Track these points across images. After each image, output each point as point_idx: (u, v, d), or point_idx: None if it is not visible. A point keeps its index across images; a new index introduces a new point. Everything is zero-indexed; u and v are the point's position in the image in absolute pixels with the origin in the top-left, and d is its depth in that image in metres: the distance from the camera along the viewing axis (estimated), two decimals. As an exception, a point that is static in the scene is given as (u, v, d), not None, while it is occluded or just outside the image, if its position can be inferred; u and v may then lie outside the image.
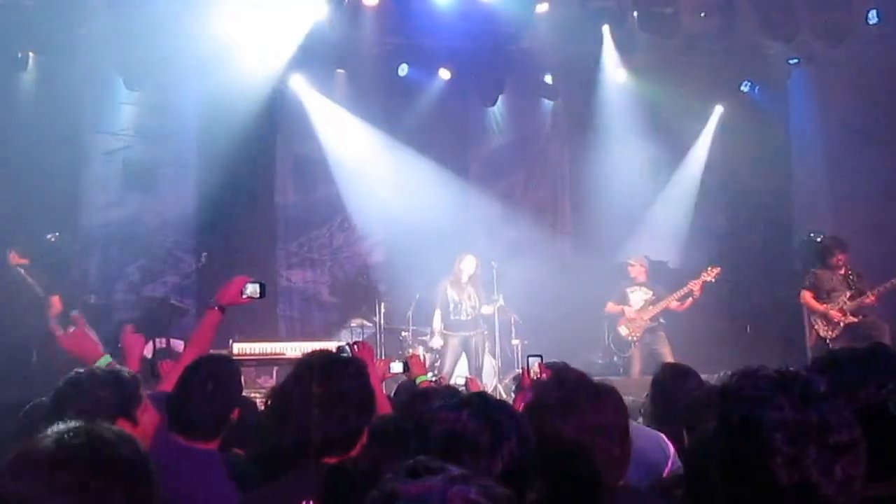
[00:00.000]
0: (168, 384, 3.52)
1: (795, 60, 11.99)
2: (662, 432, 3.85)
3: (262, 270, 11.46)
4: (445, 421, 2.09)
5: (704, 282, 9.99)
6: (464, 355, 10.27)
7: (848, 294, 9.45)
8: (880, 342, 2.09)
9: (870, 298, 9.31)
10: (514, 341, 10.73)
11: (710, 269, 10.06)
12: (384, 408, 3.99)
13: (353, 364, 2.83)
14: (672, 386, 4.15)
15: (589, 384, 2.57)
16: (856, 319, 9.42)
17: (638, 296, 10.44)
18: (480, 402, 2.15)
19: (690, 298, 10.08)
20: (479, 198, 13.00)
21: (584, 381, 2.59)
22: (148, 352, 8.66)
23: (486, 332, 10.29)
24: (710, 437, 1.75)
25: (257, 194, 12.08)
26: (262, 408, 4.20)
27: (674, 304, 10.19)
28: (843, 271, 9.54)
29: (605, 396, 2.49)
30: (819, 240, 10.14)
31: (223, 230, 11.70)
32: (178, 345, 9.69)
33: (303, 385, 2.63)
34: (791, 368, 1.79)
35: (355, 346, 4.43)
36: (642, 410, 4.65)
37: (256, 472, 3.24)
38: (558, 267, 12.40)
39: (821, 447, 1.62)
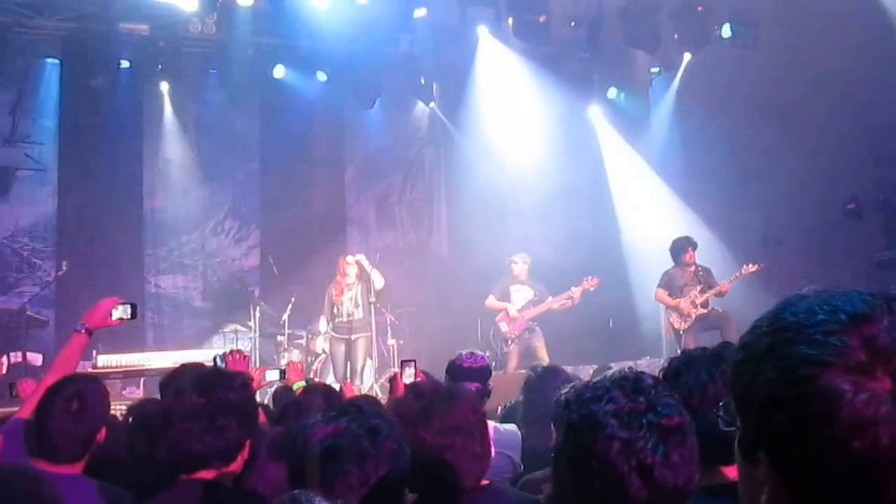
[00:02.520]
0: (26, 409, 3.34)
1: (657, 69, 12.52)
2: (534, 431, 3.98)
3: (128, 277, 11.23)
4: (324, 433, 2.15)
5: (584, 290, 10.27)
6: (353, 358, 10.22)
7: (698, 289, 9.97)
8: (727, 341, 2.25)
9: (723, 287, 9.88)
10: (391, 341, 10.77)
11: (589, 278, 10.32)
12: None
13: (237, 377, 2.80)
14: (541, 386, 4.28)
15: (444, 389, 2.71)
16: (705, 311, 9.97)
17: (521, 294, 10.51)
18: (356, 412, 2.22)
19: (569, 302, 10.33)
20: (357, 200, 13.09)
21: (439, 388, 2.74)
22: (2, 367, 8.27)
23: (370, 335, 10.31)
24: (559, 444, 1.85)
25: (122, 199, 11.73)
26: (123, 420, 4.07)
27: (554, 307, 10.42)
28: (693, 268, 10.04)
29: (460, 398, 2.63)
30: (674, 238, 10.46)
31: (85, 236, 11.30)
32: (36, 359, 9.29)
33: (184, 396, 2.60)
34: (638, 370, 1.94)
35: (229, 356, 4.36)
36: (500, 410, 4.79)
37: (127, 490, 3.13)
38: (435, 266, 12.62)
39: (651, 428, 1.75)
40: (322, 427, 2.17)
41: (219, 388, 2.60)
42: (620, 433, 1.75)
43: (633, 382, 1.83)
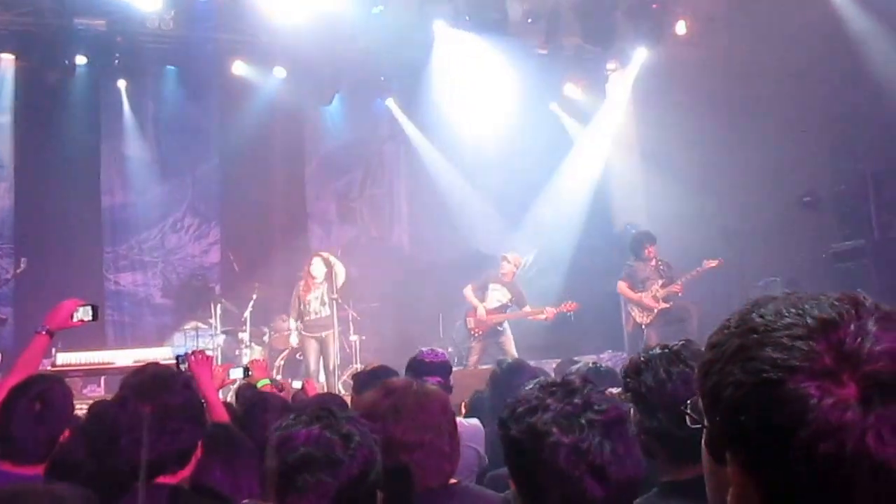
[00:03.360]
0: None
1: (613, 66, 12.62)
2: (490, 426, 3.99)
3: (87, 274, 11.09)
4: (297, 441, 2.13)
5: (559, 312, 10.14)
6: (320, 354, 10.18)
7: (660, 282, 10.01)
8: (688, 339, 2.28)
9: (676, 288, 9.95)
10: (353, 337, 10.68)
11: (568, 302, 10.17)
12: (222, 416, 3.93)
13: (179, 378, 2.77)
14: (507, 381, 4.33)
15: (415, 387, 2.69)
16: (667, 305, 9.99)
17: (496, 295, 10.36)
18: (329, 417, 2.21)
19: (542, 317, 10.20)
20: (317, 196, 13.01)
21: (410, 385, 2.72)
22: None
23: (342, 330, 10.33)
24: (507, 463, 1.85)
25: (81, 196, 11.55)
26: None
27: (532, 317, 10.32)
28: (653, 262, 10.07)
29: (431, 397, 2.62)
30: (633, 233, 10.61)
31: (43, 234, 11.12)
32: (-7, 357, 8.98)
33: (129, 405, 2.56)
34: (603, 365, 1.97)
35: (192, 357, 4.31)
36: (463, 406, 4.82)
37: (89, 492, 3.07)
38: (396, 262, 12.54)
39: (592, 427, 1.76)
40: (295, 432, 2.15)
41: (163, 394, 2.57)
42: (564, 438, 1.74)
43: (563, 386, 1.83)
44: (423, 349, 4.57)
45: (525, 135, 11.84)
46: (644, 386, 2.22)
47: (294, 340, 10.18)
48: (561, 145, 12.30)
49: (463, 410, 5.13)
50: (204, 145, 12.30)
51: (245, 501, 1.74)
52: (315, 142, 13.07)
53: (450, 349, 10.38)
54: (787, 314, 1.01)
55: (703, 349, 1.09)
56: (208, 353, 4.49)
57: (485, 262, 11.05)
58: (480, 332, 10.22)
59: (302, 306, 10.04)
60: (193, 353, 4.30)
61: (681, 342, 2.31)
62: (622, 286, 10.19)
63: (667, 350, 2.28)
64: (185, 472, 2.60)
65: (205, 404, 3.27)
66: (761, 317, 1.02)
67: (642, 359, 2.29)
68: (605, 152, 12.45)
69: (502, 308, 10.28)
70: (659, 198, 11.50)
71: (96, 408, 3.60)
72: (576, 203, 12.02)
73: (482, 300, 10.28)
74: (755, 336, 1.00)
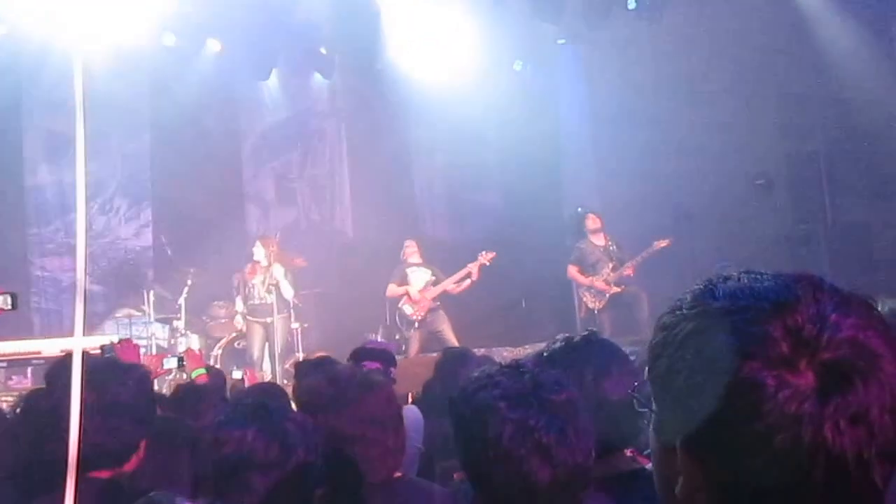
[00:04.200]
0: None
1: (563, 41, 12.58)
2: (444, 418, 4.01)
3: (10, 259, 10.87)
4: (231, 441, 2.11)
5: (482, 265, 10.16)
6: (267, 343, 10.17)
7: (610, 265, 10.04)
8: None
9: (628, 270, 9.97)
10: (294, 325, 10.55)
11: (484, 253, 10.18)
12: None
13: (134, 371, 2.71)
14: (454, 370, 4.35)
15: (359, 377, 2.68)
16: (619, 290, 10.01)
17: (419, 276, 10.48)
18: (265, 416, 2.18)
19: (469, 280, 10.25)
20: (254, 176, 12.85)
21: (354, 375, 2.71)
22: None
23: (288, 316, 10.23)
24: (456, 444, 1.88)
25: (3, 174, 11.28)
26: (11, 411, 3.93)
27: (451, 287, 10.33)
28: (604, 243, 10.09)
29: (376, 388, 2.60)
30: (580, 211, 10.57)
31: (-38, 216, 10.71)
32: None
33: (68, 392, 2.46)
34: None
35: (118, 346, 4.22)
36: (410, 397, 4.81)
37: (10, 492, 2.97)
38: (338, 246, 12.41)
39: (542, 406, 1.78)
40: (229, 432, 2.12)
41: (112, 385, 2.50)
42: (511, 415, 1.75)
43: (515, 367, 1.87)
44: (368, 335, 4.67)
45: (473, 113, 11.72)
46: (583, 367, 2.24)
47: (239, 323, 10.17)
48: (510, 123, 12.21)
49: (410, 401, 5.14)
50: (133, 121, 12.01)
51: (153, 494, 1.69)
52: (252, 119, 12.85)
53: (397, 336, 10.51)
54: (741, 296, 0.98)
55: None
56: (139, 342, 4.39)
57: (434, 247, 11.06)
58: (421, 315, 10.23)
59: (247, 290, 10.02)
60: (120, 341, 4.21)
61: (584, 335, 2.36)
62: (572, 270, 10.20)
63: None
64: (125, 468, 2.56)
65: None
66: (715, 299, 1.00)
67: (581, 340, 2.31)
68: (554, 132, 12.45)
69: (430, 285, 10.37)
70: (611, 178, 11.51)
71: (31, 397, 3.52)
72: (528, 185, 11.94)
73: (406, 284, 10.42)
74: (708, 320, 0.98)
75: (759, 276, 1.01)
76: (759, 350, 0.93)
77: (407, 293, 10.34)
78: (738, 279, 1.02)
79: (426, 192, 12.48)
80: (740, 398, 0.93)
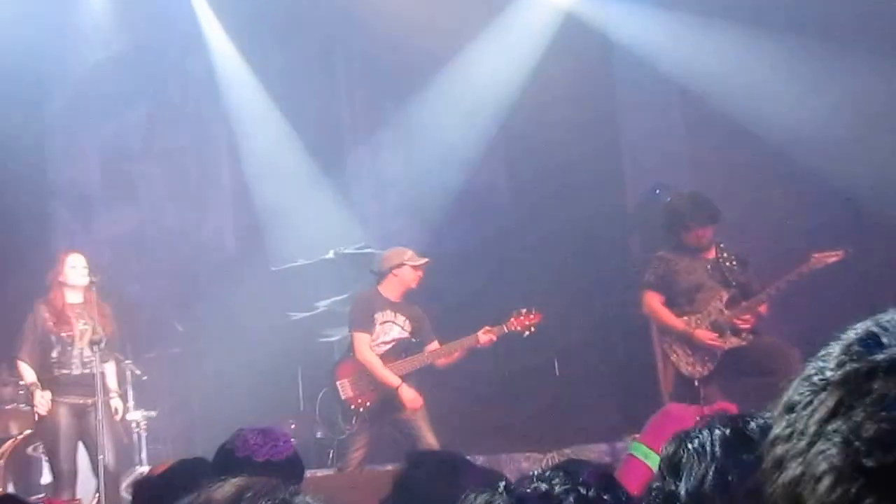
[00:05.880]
0: None
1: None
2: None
3: None
4: None
5: (505, 331, 7.82)
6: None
7: (726, 296, 7.55)
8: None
9: (761, 306, 7.54)
10: (135, 415, 8.50)
11: (524, 312, 7.81)
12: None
13: None
14: (427, 495, 3.47)
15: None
16: (741, 342, 7.52)
17: (387, 329, 8.04)
18: None
19: (465, 348, 7.90)
20: (67, 154, 10.72)
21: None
22: None
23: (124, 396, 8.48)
24: None
25: None
26: None
27: (441, 361, 7.97)
28: (712, 254, 7.72)
29: None
30: (669, 200, 8.21)
31: None
32: None
33: None
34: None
35: None
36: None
37: None
38: (212, 270, 10.24)
39: None
40: None
41: None
42: None
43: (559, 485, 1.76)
44: (245, 430, 3.57)
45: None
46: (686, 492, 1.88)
47: (41, 406, 8.11)
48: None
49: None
50: None
51: None
52: (63, 58, 10.29)
53: (318, 434, 8.74)
54: None
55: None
56: None
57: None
58: (367, 405, 7.93)
59: (51, 346, 8.12)
60: None
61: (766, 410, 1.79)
62: (652, 300, 7.71)
63: (728, 429, 1.88)
64: None
65: None
66: (881, 346, 0.80)
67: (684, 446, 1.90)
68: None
69: (401, 349, 8.02)
70: (713, 141, 9.14)
71: None
72: (552, 153, 9.47)
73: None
74: (873, 382, 0.77)
75: None
76: None
77: (353, 355, 7.96)
78: None
79: (373, 176, 10.46)
80: None
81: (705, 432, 1.87)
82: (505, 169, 10.40)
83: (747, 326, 7.56)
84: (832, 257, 7.39)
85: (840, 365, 0.79)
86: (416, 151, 10.91)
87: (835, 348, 0.82)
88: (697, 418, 2.09)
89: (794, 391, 0.83)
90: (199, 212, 10.82)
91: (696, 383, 7.58)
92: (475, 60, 10.14)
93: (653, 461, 3.32)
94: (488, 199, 10.23)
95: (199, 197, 10.87)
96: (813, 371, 0.82)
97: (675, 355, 7.66)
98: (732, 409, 3.73)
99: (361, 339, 8.04)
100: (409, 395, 7.92)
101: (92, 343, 7.96)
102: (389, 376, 7.93)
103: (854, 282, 8.00)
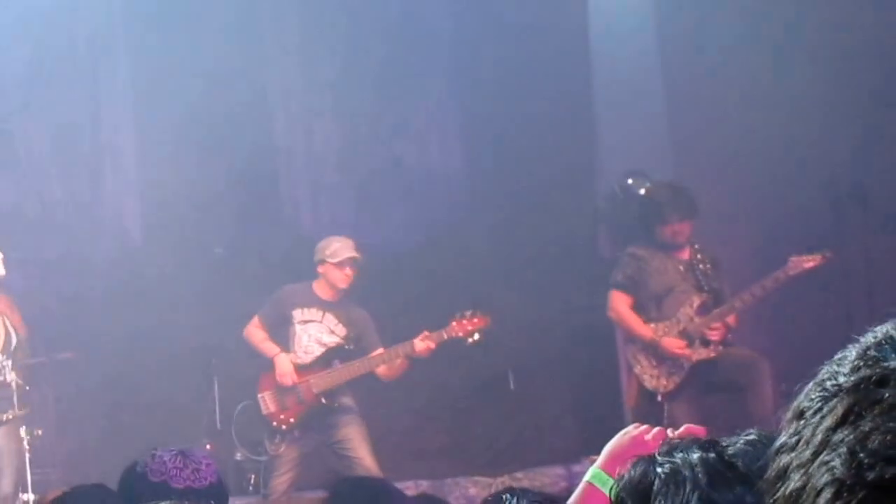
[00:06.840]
0: None
1: None
2: None
3: None
4: None
5: (445, 339, 7.37)
6: None
7: (696, 301, 7.39)
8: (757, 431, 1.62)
9: (730, 316, 7.40)
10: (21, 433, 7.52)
11: (468, 314, 7.41)
12: None
13: None
14: None
15: None
16: (710, 353, 7.39)
17: (316, 333, 7.59)
18: None
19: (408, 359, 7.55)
20: None
21: None
22: None
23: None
24: None
25: None
26: None
27: (382, 370, 7.58)
28: (686, 254, 7.52)
29: None
30: (642, 192, 7.88)
31: None
32: None
33: None
34: None
35: None
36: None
37: None
38: (112, 261, 9.10)
39: None
40: None
41: None
42: None
43: None
44: (159, 452, 3.37)
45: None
46: None
47: None
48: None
49: None
50: None
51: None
52: None
53: (238, 456, 7.97)
54: None
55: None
56: None
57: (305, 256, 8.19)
58: (292, 421, 7.66)
59: None
60: None
61: (745, 436, 1.80)
62: (618, 302, 7.47)
63: (708, 453, 1.79)
64: None
65: None
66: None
67: (658, 475, 1.79)
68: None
69: (332, 356, 7.67)
70: (693, 123, 8.74)
71: None
72: (515, 135, 9.07)
73: (287, 347, 7.78)
74: (885, 390, 0.76)
75: None
76: None
77: (273, 371, 7.50)
78: None
79: (306, 154, 9.39)
80: None
81: (680, 456, 1.80)
82: (460, 145, 9.64)
83: (717, 338, 7.31)
84: (810, 262, 7.24)
85: (854, 370, 0.78)
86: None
87: (851, 352, 0.81)
88: (660, 442, 1.99)
89: (805, 397, 0.82)
90: (94, 188, 9.57)
91: (660, 398, 7.37)
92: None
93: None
94: (440, 177, 9.46)
95: (94, 169, 9.51)
96: (826, 375, 0.81)
97: (639, 366, 7.41)
98: (701, 432, 3.62)
99: (252, 322, 7.64)
100: (282, 368, 7.51)
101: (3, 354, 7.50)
102: (270, 348, 7.52)
103: (832, 288, 7.82)
